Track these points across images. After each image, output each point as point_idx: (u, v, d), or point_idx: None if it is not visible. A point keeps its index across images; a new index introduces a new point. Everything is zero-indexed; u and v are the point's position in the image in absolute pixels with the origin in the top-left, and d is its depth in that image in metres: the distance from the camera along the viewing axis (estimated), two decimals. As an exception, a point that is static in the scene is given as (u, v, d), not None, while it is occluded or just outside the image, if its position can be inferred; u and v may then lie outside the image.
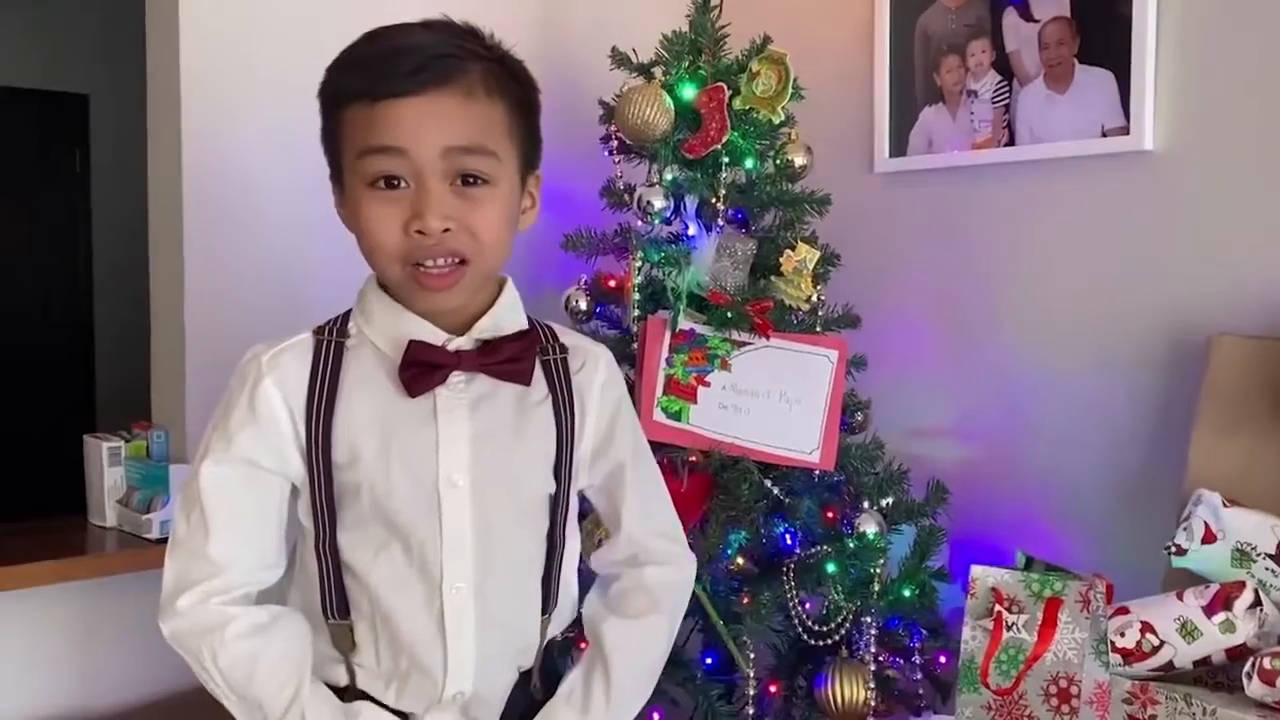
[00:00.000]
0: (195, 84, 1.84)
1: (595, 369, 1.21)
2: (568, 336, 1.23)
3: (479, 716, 1.16)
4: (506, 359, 1.11)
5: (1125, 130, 1.75)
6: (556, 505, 1.17)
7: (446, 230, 1.04)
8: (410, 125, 1.03)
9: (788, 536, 1.72)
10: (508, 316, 1.15)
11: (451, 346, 1.11)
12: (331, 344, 1.12)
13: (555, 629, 1.22)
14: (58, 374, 4.60)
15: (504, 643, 1.15)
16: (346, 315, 1.15)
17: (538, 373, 1.16)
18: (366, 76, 1.05)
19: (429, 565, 1.10)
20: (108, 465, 1.83)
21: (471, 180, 1.06)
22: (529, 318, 1.19)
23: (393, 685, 1.13)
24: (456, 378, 1.11)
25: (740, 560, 1.70)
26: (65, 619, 1.75)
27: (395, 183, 1.05)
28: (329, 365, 1.10)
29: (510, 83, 1.10)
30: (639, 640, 1.22)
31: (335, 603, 1.12)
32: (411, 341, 1.09)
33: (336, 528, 1.11)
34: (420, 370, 1.08)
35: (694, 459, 1.71)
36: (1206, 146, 1.69)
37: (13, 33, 4.47)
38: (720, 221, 1.77)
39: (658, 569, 1.24)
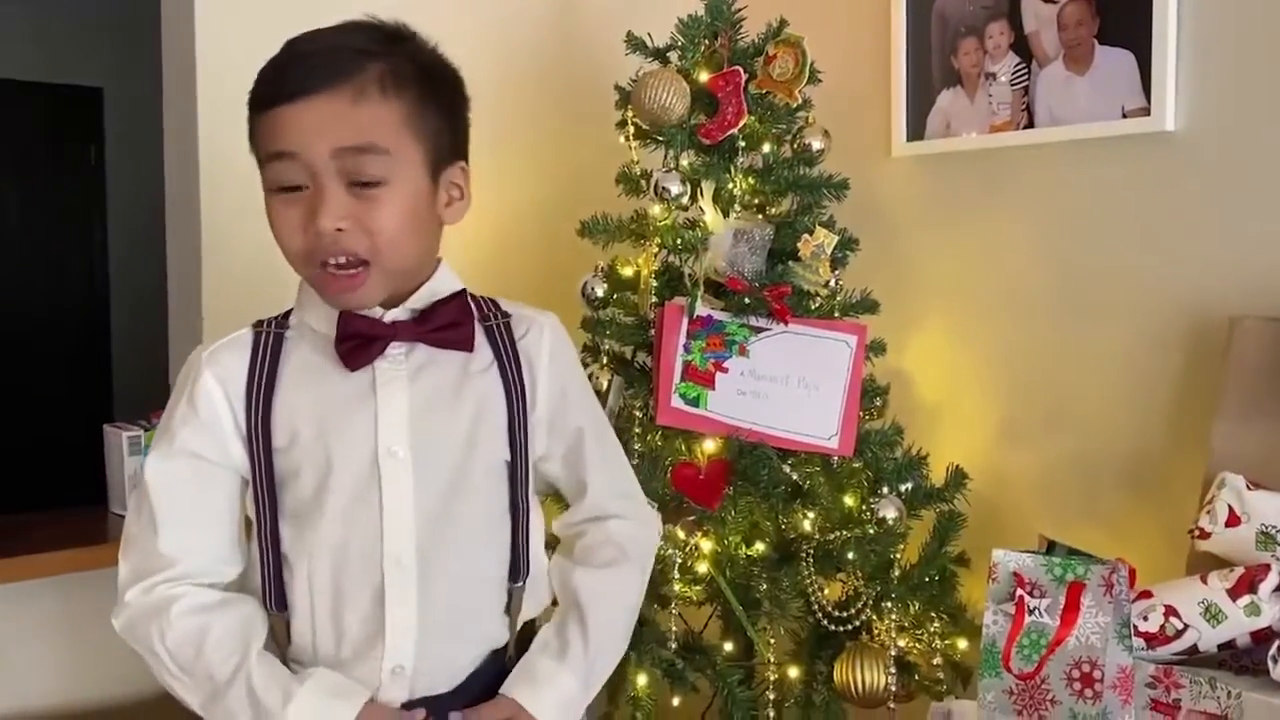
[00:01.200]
0: (211, 75, 1.84)
1: (541, 335, 1.21)
2: (512, 306, 1.23)
3: (435, 691, 1.14)
4: (444, 325, 1.12)
5: (1146, 111, 1.73)
6: (515, 472, 1.18)
7: (340, 230, 1.06)
8: (298, 129, 1.05)
9: (807, 522, 1.71)
10: (443, 288, 1.16)
11: (388, 318, 1.12)
12: (270, 335, 1.14)
13: (532, 607, 1.22)
14: (74, 365, 4.62)
15: (452, 614, 1.14)
16: (289, 310, 1.17)
17: (480, 339, 1.16)
18: (265, 84, 1.09)
19: (369, 541, 1.10)
20: (128, 454, 1.84)
21: (366, 182, 1.07)
22: (470, 294, 1.19)
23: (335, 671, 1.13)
24: (395, 349, 1.12)
25: (759, 546, 1.70)
26: (86, 607, 1.76)
27: (295, 187, 1.07)
28: (267, 355, 1.12)
29: (415, 78, 1.10)
30: (610, 587, 1.23)
31: (274, 594, 1.12)
32: (343, 313, 1.10)
33: (278, 517, 1.11)
34: (357, 344, 1.10)
35: (712, 445, 1.71)
36: (1228, 127, 1.67)
37: (26, 27, 4.49)
38: (737, 206, 1.76)
39: (621, 522, 1.26)
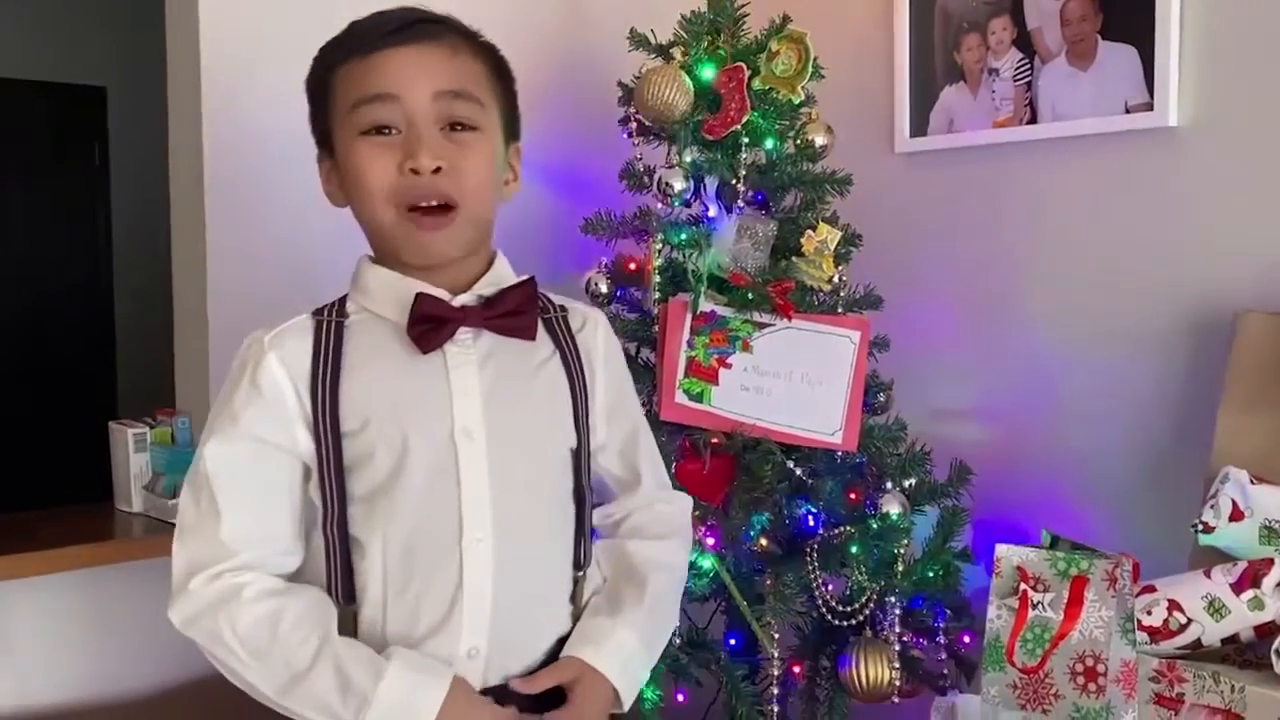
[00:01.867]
0: (216, 75, 1.85)
1: (596, 329, 1.25)
2: (563, 299, 1.26)
3: (508, 674, 1.13)
4: (510, 311, 1.13)
5: (1149, 106, 1.73)
6: (579, 460, 1.19)
7: (437, 170, 1.08)
8: (401, 72, 1.08)
9: (810, 518, 1.71)
10: (507, 277, 1.18)
11: (456, 303, 1.13)
12: (331, 323, 1.13)
13: (589, 594, 1.22)
14: (78, 362, 4.63)
15: (524, 598, 1.14)
16: (343, 299, 1.17)
17: (541, 331, 1.18)
18: (355, 38, 1.11)
19: (447, 520, 1.10)
20: (133, 451, 1.85)
21: (460, 126, 1.10)
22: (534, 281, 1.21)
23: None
24: (464, 334, 1.13)
25: (763, 541, 1.70)
26: (92, 603, 1.77)
27: (386, 130, 1.09)
28: (330, 342, 1.11)
29: (488, 50, 1.17)
30: (663, 556, 1.25)
31: (342, 586, 1.10)
32: (418, 294, 1.10)
33: (347, 501, 1.10)
34: (429, 327, 1.10)
35: (716, 441, 1.71)
36: (1231, 122, 1.67)
37: (29, 26, 4.49)
38: (740, 203, 1.76)
39: (665, 505, 1.31)
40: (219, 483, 1.09)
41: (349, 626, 1.11)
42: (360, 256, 1.18)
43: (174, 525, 1.74)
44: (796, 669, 1.73)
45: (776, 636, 1.66)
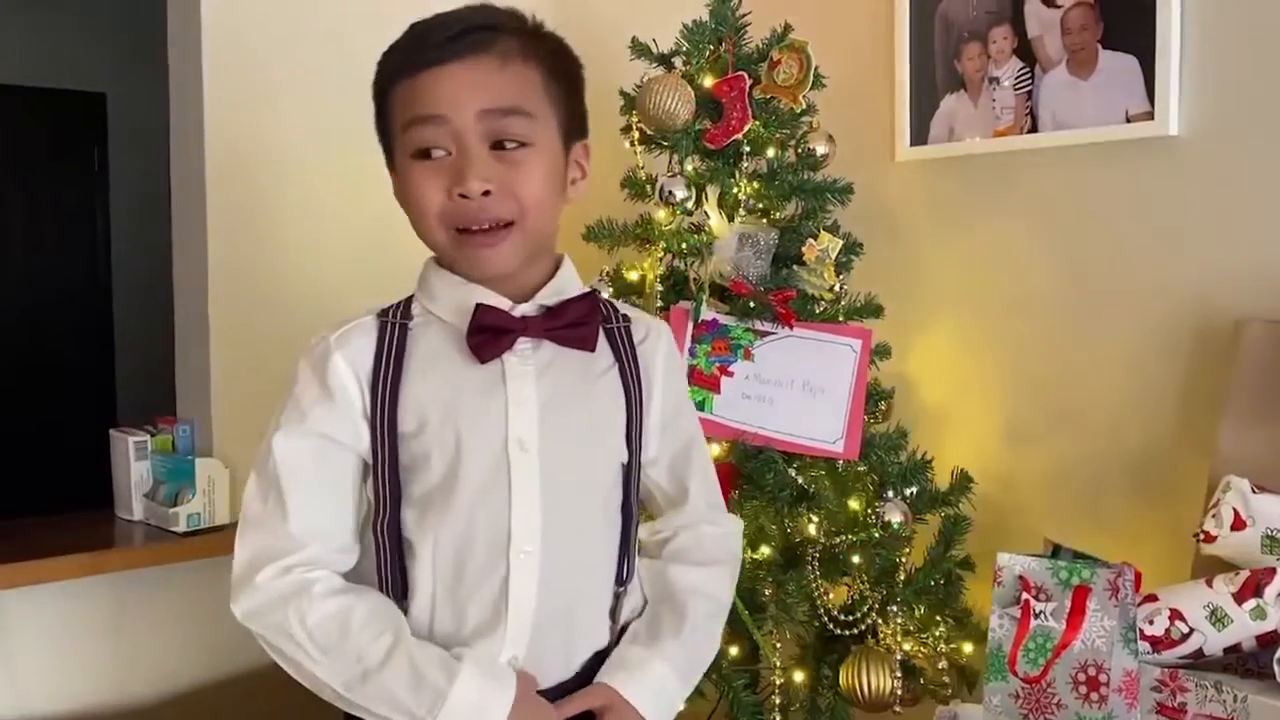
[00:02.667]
0: (217, 81, 1.85)
1: (659, 341, 1.24)
2: (627, 309, 1.25)
3: (542, 686, 1.13)
4: (571, 323, 1.13)
5: (1150, 115, 1.73)
6: (630, 475, 1.19)
7: (487, 193, 1.07)
8: (446, 92, 1.07)
9: (812, 526, 1.71)
10: (569, 285, 1.18)
11: (517, 312, 1.13)
12: (395, 325, 1.13)
13: (630, 610, 1.22)
14: (78, 368, 4.63)
15: (566, 610, 1.14)
16: (409, 300, 1.17)
17: (602, 342, 1.17)
18: (406, 53, 1.10)
19: (496, 530, 1.10)
20: (134, 459, 1.85)
21: (510, 144, 1.08)
22: (597, 293, 1.21)
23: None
24: (523, 344, 1.12)
25: (765, 550, 1.70)
26: (93, 612, 1.77)
27: (437, 151, 1.08)
28: (394, 344, 1.12)
29: (546, 51, 1.14)
30: (705, 584, 1.24)
31: (393, 586, 1.11)
32: (479, 305, 1.10)
33: (401, 503, 1.11)
34: (488, 336, 1.10)
35: (718, 449, 1.71)
36: (1232, 130, 1.68)
37: (29, 33, 4.50)
38: (742, 211, 1.76)
39: (712, 527, 1.28)
40: (287, 477, 1.09)
41: None
42: (427, 259, 1.18)
43: (174, 534, 1.76)
44: (798, 678, 1.73)
45: (778, 645, 1.66)
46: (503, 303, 1.12)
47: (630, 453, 1.19)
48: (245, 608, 1.09)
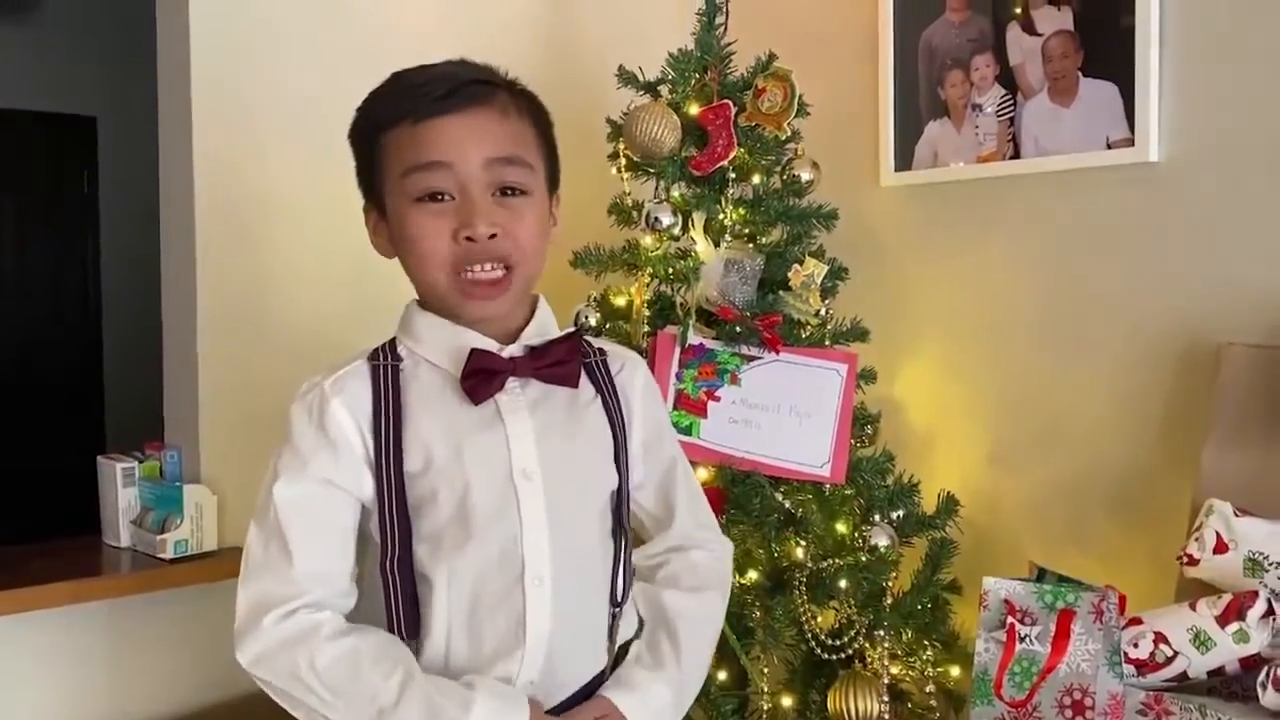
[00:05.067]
0: (207, 106, 1.86)
1: (635, 372, 1.29)
2: (602, 343, 1.30)
3: (547, 706, 1.15)
4: (556, 361, 1.17)
5: (1130, 142, 1.75)
6: (620, 498, 1.23)
7: (493, 236, 1.11)
8: (453, 140, 1.10)
9: (799, 550, 1.72)
10: (549, 326, 1.22)
11: (505, 354, 1.16)
12: (387, 368, 1.15)
13: (625, 631, 1.24)
14: (68, 393, 4.62)
15: (575, 633, 1.17)
16: (392, 342, 1.19)
17: (583, 376, 1.21)
18: (406, 101, 1.12)
19: (510, 559, 1.12)
20: (121, 486, 1.84)
21: (511, 191, 1.13)
22: (577, 332, 1.25)
23: None
24: (513, 383, 1.16)
25: (753, 574, 1.71)
26: (80, 639, 1.76)
27: (440, 196, 1.11)
28: (390, 386, 1.14)
29: (535, 108, 1.20)
30: (698, 609, 1.27)
31: (405, 622, 1.12)
32: (474, 350, 1.13)
33: (411, 540, 1.12)
34: (481, 379, 1.13)
35: (705, 474, 1.71)
36: (1211, 157, 1.70)
37: (19, 56, 4.51)
38: (728, 237, 1.78)
39: (703, 552, 1.31)
40: (290, 523, 1.11)
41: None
42: (408, 303, 1.21)
43: (161, 561, 1.76)
44: (786, 702, 1.73)
45: (766, 670, 1.66)
46: (491, 344, 1.16)
47: (620, 477, 1.23)
48: (253, 653, 1.09)
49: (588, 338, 1.28)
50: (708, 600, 1.29)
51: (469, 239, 1.10)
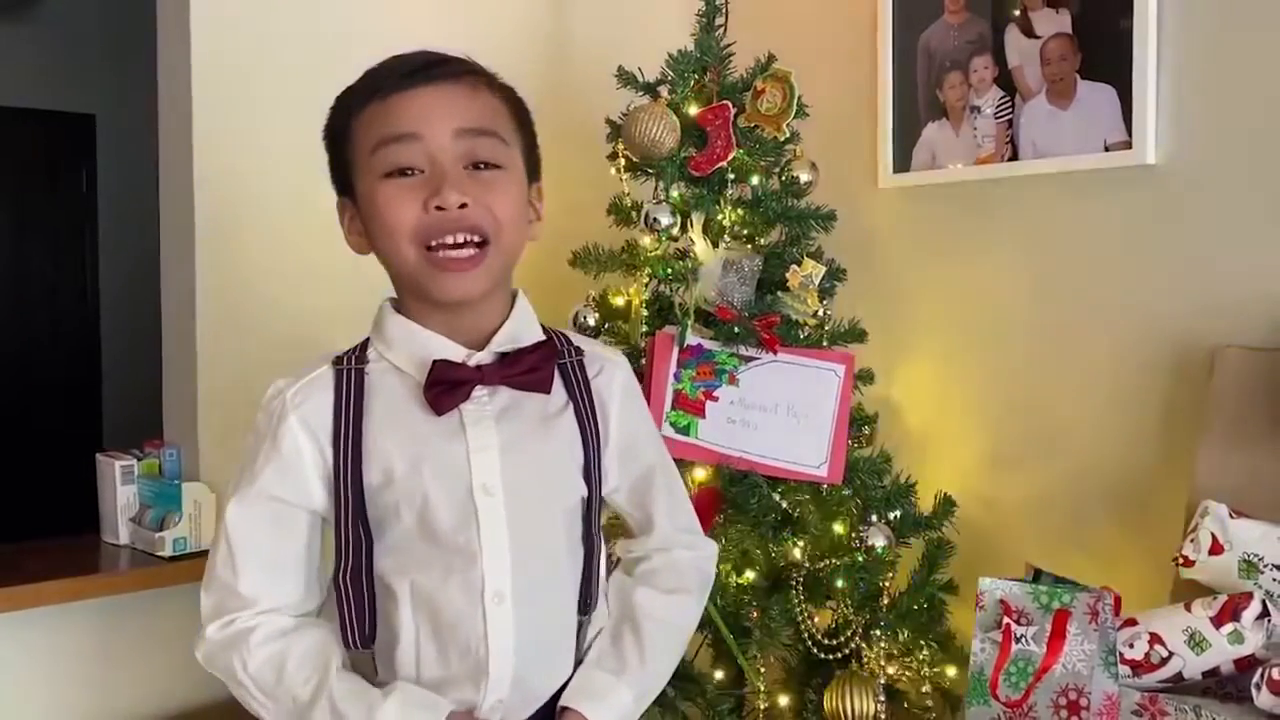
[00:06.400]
0: (206, 106, 1.86)
1: (613, 376, 1.24)
2: (582, 342, 1.25)
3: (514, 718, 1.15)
4: (527, 369, 1.13)
5: (1128, 144, 1.76)
6: (589, 508, 1.20)
7: (464, 206, 1.07)
8: (422, 111, 1.08)
9: (796, 550, 1.72)
10: (525, 328, 1.18)
11: (472, 362, 1.13)
12: (351, 372, 1.13)
13: (595, 634, 1.23)
14: (67, 391, 4.62)
15: (540, 648, 1.15)
16: (364, 343, 1.17)
17: (556, 381, 1.17)
18: (375, 80, 1.11)
19: (470, 575, 1.11)
20: (120, 483, 1.84)
21: (484, 165, 1.10)
22: (543, 326, 1.21)
23: None
24: (480, 392, 1.13)
25: (750, 574, 1.71)
26: (78, 637, 1.76)
27: (410, 171, 1.08)
28: (351, 393, 1.12)
29: (509, 91, 1.17)
30: (670, 612, 1.25)
31: (357, 632, 1.12)
32: (435, 362, 1.10)
33: (369, 552, 1.11)
34: (444, 389, 1.10)
35: (703, 473, 1.72)
36: (1208, 160, 1.70)
37: (18, 54, 4.51)
38: (727, 237, 1.78)
39: (686, 551, 1.29)
40: (238, 542, 1.13)
41: (368, 669, 1.12)
42: (383, 302, 1.18)
43: (160, 558, 1.77)
44: (783, 702, 1.73)
45: (763, 669, 1.67)
46: (458, 352, 1.13)
47: (590, 487, 1.19)
48: (202, 654, 1.15)
49: (567, 333, 1.25)
50: (682, 604, 1.27)
51: (439, 208, 1.06)
